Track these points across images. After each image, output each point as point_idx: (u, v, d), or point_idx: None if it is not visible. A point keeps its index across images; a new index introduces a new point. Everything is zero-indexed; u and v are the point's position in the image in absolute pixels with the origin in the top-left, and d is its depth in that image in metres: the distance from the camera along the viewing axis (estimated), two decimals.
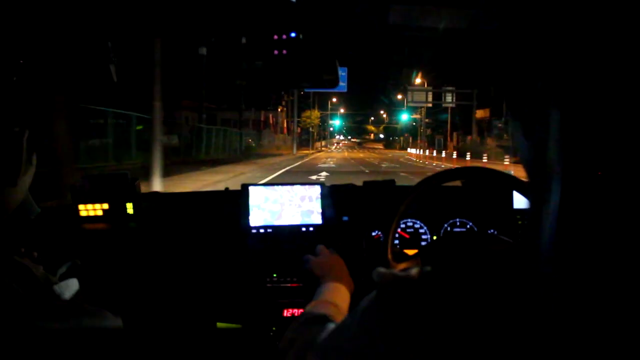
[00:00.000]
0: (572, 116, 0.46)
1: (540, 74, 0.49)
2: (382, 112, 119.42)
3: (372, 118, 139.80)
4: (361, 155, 48.38)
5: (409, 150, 51.22)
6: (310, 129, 61.77)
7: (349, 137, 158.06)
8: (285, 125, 57.07)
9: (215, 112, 41.92)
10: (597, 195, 0.45)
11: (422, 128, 62.20)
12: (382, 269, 0.65)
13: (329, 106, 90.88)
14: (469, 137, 45.23)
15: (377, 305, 0.61)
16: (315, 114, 71.56)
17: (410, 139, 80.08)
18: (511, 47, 0.55)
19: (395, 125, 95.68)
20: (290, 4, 1.23)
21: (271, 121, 51.68)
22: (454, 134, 51.19)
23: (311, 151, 50.17)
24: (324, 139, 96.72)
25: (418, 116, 64.71)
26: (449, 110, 49.20)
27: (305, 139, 65.44)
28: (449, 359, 0.51)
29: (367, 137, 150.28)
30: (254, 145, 38.50)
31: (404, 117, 74.58)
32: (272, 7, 1.24)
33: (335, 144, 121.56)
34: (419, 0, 1.16)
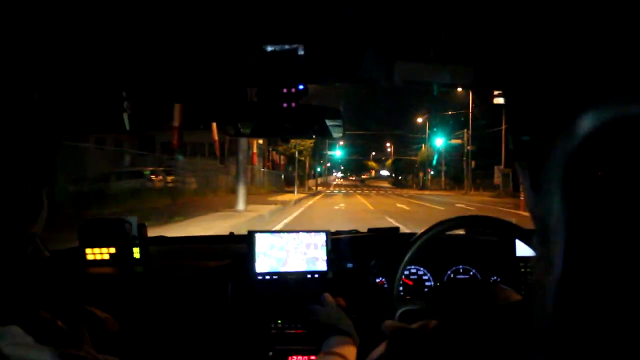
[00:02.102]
0: (575, 185, 0.45)
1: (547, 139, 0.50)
2: (387, 145, 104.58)
3: (374, 153, 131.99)
4: (404, 206, 23.12)
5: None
6: (297, 155, 36.23)
7: (348, 175, 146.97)
8: (255, 151, 33.93)
9: (154, 131, 27.08)
10: (602, 266, 0.45)
11: (466, 158, 43.46)
12: (392, 322, 0.66)
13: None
14: None
15: (389, 356, 0.63)
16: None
17: (430, 175, 62.52)
18: (515, 103, 0.56)
19: (411, 158, 74.55)
20: (298, 58, 1.27)
21: (217, 145, 28.90)
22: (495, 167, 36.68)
23: (297, 196, 28.13)
24: (319, 175, 68.80)
25: (459, 141, 46.62)
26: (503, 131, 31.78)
27: (292, 175, 39.53)
28: None
29: (368, 174, 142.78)
30: (155, 183, 19.53)
31: (438, 143, 52.80)
32: (281, 61, 1.28)
33: (335, 181, 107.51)
34: (424, 57, 1.20)
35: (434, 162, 57.45)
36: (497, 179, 36.36)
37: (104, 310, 1.46)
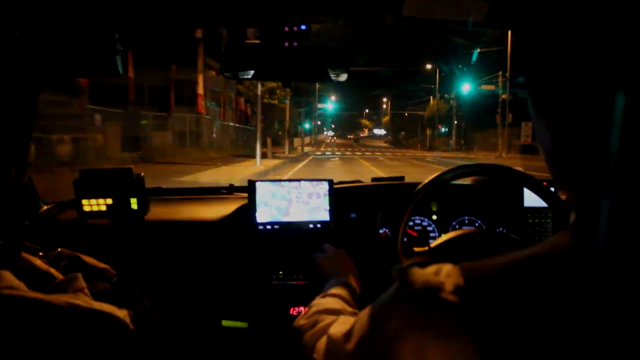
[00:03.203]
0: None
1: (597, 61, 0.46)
2: (384, 100, 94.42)
3: (367, 110, 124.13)
4: None
5: None
6: (259, 93, 19.91)
7: (340, 133, 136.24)
8: (200, 92, 23.18)
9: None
10: None
11: (502, 110, 32.32)
12: (407, 267, 0.63)
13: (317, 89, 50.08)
14: None
15: (400, 304, 0.59)
16: None
17: (433, 133, 51.52)
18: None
19: (418, 113, 61.10)
20: None
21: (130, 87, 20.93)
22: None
23: (261, 167, 17.57)
24: (307, 133, 55.82)
25: (492, 87, 34.55)
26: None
27: (276, 132, 30.96)
28: None
29: (362, 133, 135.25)
30: None
31: (465, 89, 38.12)
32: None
33: (327, 140, 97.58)
34: None
35: (453, 113, 46.00)
36: (526, 138, 30.75)
37: (102, 261, 1.43)
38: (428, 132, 54.81)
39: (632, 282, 0.43)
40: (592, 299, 0.46)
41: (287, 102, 28.61)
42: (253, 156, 19.94)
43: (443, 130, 52.34)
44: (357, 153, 38.97)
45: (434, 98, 52.20)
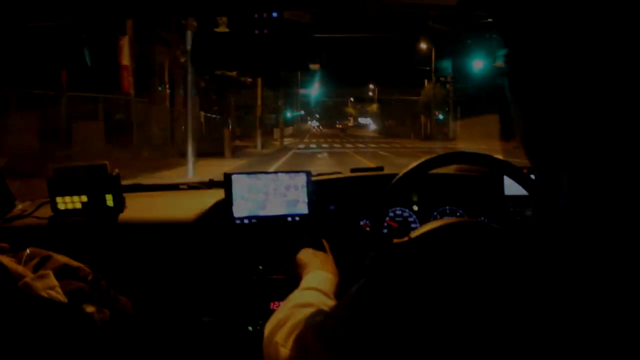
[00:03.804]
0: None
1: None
2: (370, 87, 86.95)
3: (352, 98, 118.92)
4: None
5: None
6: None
7: (324, 122, 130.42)
8: (126, 63, 14.95)
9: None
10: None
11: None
12: (373, 253, 0.63)
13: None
14: None
15: (369, 287, 0.60)
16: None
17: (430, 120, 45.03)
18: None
19: (411, 98, 52.65)
20: None
21: None
22: None
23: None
24: (288, 121, 53.09)
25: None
26: None
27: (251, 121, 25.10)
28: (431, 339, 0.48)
29: (347, 122, 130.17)
30: None
31: (477, 66, 30.17)
32: None
33: (314, 129, 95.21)
34: None
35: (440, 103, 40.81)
36: None
37: (79, 260, 1.40)
38: (423, 119, 48.16)
39: (596, 256, 0.43)
40: (557, 277, 0.45)
41: (259, 81, 22.34)
42: (215, 153, 15.61)
43: (440, 117, 46.45)
44: (348, 145, 34.54)
45: (429, 82, 46.16)
